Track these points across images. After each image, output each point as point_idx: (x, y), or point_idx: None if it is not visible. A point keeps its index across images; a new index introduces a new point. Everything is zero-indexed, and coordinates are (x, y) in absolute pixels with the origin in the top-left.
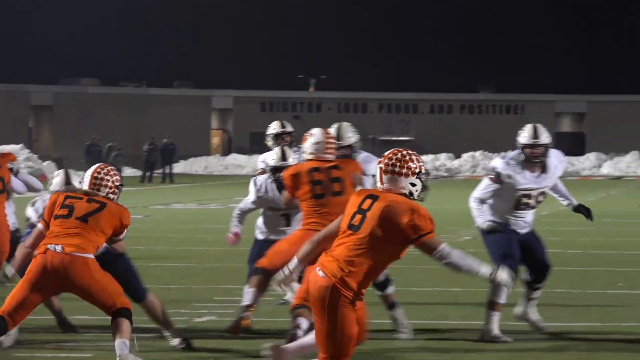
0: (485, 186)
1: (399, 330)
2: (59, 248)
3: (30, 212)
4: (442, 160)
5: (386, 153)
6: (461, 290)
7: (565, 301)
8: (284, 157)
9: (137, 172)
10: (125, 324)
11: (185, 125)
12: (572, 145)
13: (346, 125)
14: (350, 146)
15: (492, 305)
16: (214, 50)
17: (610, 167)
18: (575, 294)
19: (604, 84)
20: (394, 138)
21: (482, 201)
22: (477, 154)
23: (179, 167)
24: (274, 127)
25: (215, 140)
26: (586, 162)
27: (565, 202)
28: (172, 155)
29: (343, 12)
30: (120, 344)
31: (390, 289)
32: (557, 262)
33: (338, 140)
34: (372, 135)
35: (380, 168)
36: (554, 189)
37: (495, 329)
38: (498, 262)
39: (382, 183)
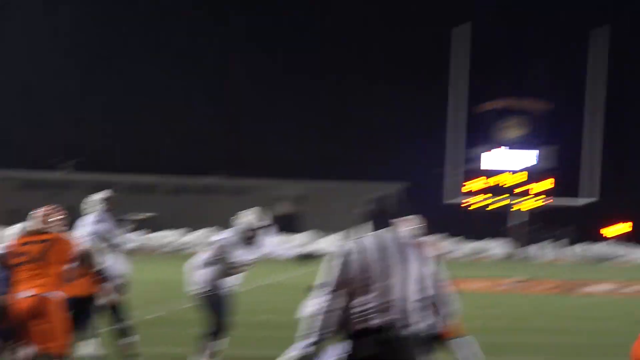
0: (207, 255)
1: None
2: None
3: None
4: (176, 236)
5: None
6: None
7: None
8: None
9: None
10: None
11: None
12: (291, 223)
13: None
14: None
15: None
16: None
17: (325, 243)
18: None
19: (320, 170)
20: (137, 217)
21: (203, 267)
22: (208, 230)
23: None
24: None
25: None
26: (303, 239)
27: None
28: None
29: (95, 101)
30: None
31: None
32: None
33: None
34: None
35: None
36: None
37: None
38: (218, 320)
39: None
